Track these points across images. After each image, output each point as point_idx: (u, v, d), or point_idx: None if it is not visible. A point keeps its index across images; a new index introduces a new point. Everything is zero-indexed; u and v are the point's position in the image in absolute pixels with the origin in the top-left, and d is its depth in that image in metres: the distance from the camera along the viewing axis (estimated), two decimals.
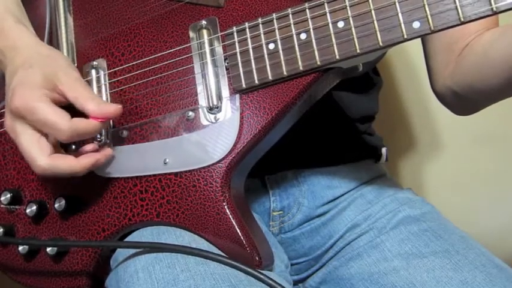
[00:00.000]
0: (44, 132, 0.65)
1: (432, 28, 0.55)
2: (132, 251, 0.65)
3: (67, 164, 0.66)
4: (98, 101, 0.66)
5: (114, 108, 0.66)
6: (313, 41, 0.60)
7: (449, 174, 1.27)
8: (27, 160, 0.66)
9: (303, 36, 0.61)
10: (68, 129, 0.63)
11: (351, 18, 0.58)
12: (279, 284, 0.57)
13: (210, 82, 0.66)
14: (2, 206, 0.77)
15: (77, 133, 0.64)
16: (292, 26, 0.62)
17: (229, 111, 0.66)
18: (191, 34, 0.69)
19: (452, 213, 0.84)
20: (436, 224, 0.76)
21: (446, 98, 0.84)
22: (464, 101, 0.81)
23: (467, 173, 1.26)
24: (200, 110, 0.67)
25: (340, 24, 0.59)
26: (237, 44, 0.65)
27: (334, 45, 0.59)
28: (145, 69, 0.71)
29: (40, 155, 0.65)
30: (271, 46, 0.63)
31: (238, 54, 0.65)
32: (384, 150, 0.90)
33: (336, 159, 0.84)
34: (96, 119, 0.65)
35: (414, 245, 0.73)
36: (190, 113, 0.67)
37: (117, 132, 0.72)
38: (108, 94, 0.74)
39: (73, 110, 0.66)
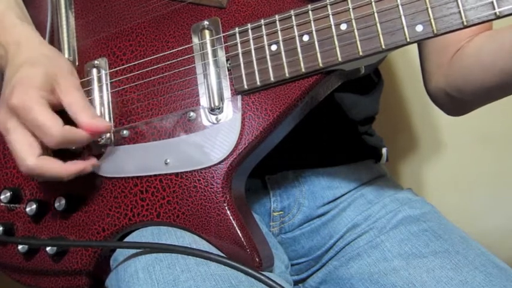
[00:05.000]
0: (35, 134, 0.65)
1: (435, 32, 0.55)
2: (132, 251, 0.65)
3: (54, 167, 0.66)
4: (91, 113, 0.67)
5: (105, 125, 0.67)
6: (316, 43, 0.60)
7: (449, 175, 1.28)
8: (15, 158, 0.66)
9: (306, 38, 0.61)
10: (58, 135, 0.63)
11: (353, 21, 0.58)
12: (279, 285, 0.57)
13: (212, 83, 0.66)
14: (1, 204, 0.77)
15: (66, 140, 0.64)
16: (294, 27, 0.61)
17: (231, 112, 0.66)
18: (193, 34, 0.69)
19: (452, 213, 0.84)
20: (436, 224, 0.76)
21: (438, 99, 0.85)
22: (456, 102, 0.82)
23: (468, 173, 1.26)
24: (201, 110, 0.67)
25: (343, 26, 0.59)
26: (239, 45, 0.65)
27: (337, 48, 0.59)
28: (147, 69, 0.71)
29: (29, 155, 0.65)
30: (274, 47, 0.63)
31: (240, 55, 0.65)
32: (384, 150, 0.90)
33: (336, 159, 0.84)
34: (87, 130, 0.65)
35: (414, 245, 0.73)
36: (192, 114, 0.67)
37: (118, 132, 0.72)
38: (109, 93, 0.73)
39: (65, 118, 0.66)
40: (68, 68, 0.70)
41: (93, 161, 0.70)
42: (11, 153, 0.78)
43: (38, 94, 0.65)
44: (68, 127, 0.65)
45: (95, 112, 0.69)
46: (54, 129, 0.63)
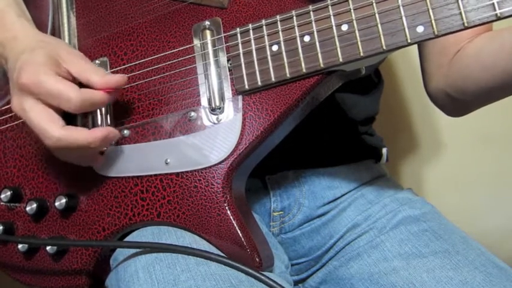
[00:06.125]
0: (53, 105, 0.64)
1: (436, 33, 0.55)
2: (133, 250, 0.65)
3: (81, 134, 0.65)
4: (101, 72, 0.66)
5: (118, 78, 0.67)
6: (317, 43, 0.60)
7: (449, 175, 1.28)
8: (38, 134, 0.65)
9: (307, 38, 0.61)
10: (77, 98, 0.63)
11: (354, 21, 0.58)
12: (279, 285, 0.57)
13: (213, 83, 0.66)
14: (1, 203, 0.77)
15: (86, 103, 0.64)
16: (296, 28, 0.61)
17: (232, 113, 0.66)
18: (194, 35, 0.69)
19: (452, 213, 0.84)
20: (436, 224, 0.76)
21: (439, 100, 0.85)
22: (456, 102, 0.82)
23: (468, 173, 1.26)
24: (202, 110, 0.67)
25: (344, 27, 0.59)
26: (240, 45, 0.65)
27: (338, 48, 0.59)
28: (148, 69, 0.71)
29: (53, 126, 0.64)
30: (275, 48, 0.63)
31: (241, 55, 0.65)
32: (384, 150, 0.90)
33: (336, 159, 0.84)
34: (103, 90, 0.65)
35: (414, 245, 0.73)
36: (193, 114, 0.67)
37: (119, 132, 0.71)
38: None
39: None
40: (67, 45, 0.70)
41: (115, 130, 0.69)
42: (12, 153, 0.79)
43: (46, 68, 0.64)
44: (84, 89, 0.65)
45: (104, 71, 0.69)
46: (72, 93, 0.63)
